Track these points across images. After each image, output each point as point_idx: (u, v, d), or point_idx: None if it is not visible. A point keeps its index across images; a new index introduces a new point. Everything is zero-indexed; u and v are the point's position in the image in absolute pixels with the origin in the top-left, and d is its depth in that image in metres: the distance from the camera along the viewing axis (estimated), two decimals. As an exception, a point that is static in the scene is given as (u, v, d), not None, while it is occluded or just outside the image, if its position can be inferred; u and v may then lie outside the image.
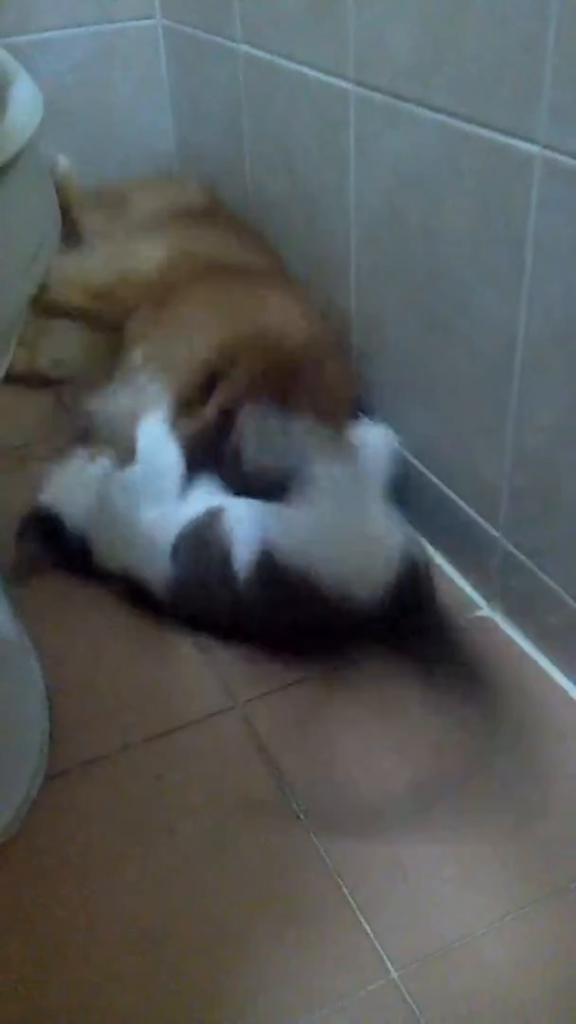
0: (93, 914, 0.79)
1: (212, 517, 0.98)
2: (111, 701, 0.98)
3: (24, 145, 0.61)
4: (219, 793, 0.88)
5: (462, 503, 1.07)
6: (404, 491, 1.08)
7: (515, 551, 1.01)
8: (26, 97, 0.66)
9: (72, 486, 1.10)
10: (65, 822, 0.86)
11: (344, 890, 0.80)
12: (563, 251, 0.81)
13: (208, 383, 1.11)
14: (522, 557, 1.00)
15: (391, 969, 0.74)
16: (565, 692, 0.96)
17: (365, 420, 1.11)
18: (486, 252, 0.91)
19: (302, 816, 0.86)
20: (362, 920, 0.77)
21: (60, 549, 1.08)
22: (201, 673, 1.01)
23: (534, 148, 0.80)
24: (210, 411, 1.09)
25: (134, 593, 1.05)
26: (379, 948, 0.75)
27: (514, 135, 0.82)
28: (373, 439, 1.09)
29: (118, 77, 1.56)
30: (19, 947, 0.77)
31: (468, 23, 0.84)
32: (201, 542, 0.98)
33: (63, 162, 1.36)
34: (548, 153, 0.79)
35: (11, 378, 1.46)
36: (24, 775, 0.88)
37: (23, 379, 1.50)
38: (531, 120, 0.80)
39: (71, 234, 1.43)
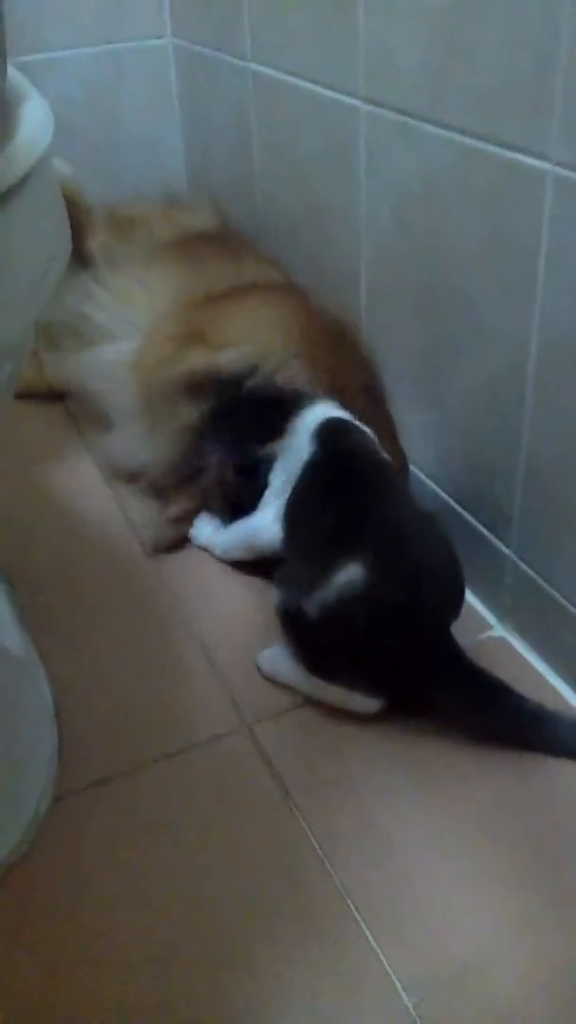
0: (100, 934, 0.78)
1: None
2: (120, 720, 0.97)
3: (35, 164, 0.61)
4: (227, 814, 0.87)
5: (473, 520, 1.07)
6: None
7: (527, 568, 1.00)
8: (37, 116, 0.66)
9: None
10: (73, 842, 0.85)
11: (354, 911, 0.79)
12: (575, 266, 0.81)
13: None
14: (533, 575, 0.99)
15: (403, 995, 0.73)
16: (578, 712, 0.96)
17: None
18: (497, 268, 0.90)
19: (312, 838, 0.85)
20: (374, 943, 0.76)
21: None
22: (210, 691, 1.00)
23: (546, 165, 0.80)
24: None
25: None
26: (391, 972, 0.74)
27: (525, 152, 0.82)
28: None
29: (128, 96, 1.57)
30: (27, 966, 0.76)
31: (478, 40, 0.84)
32: None
33: (63, 168, 1.35)
34: (560, 171, 0.79)
35: (20, 393, 1.48)
36: (32, 794, 0.87)
37: (32, 393, 1.50)
38: (542, 137, 0.80)
39: (78, 252, 1.44)
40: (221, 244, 1.39)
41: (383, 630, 0.88)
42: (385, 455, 1.03)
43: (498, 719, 0.91)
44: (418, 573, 0.90)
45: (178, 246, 1.38)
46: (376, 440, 1.04)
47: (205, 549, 1.18)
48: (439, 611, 0.91)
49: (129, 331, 1.29)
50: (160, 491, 1.25)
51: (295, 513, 1.00)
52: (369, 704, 0.93)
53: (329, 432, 1.02)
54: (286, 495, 1.01)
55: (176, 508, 1.21)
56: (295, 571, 0.95)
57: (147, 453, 1.25)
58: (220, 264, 1.33)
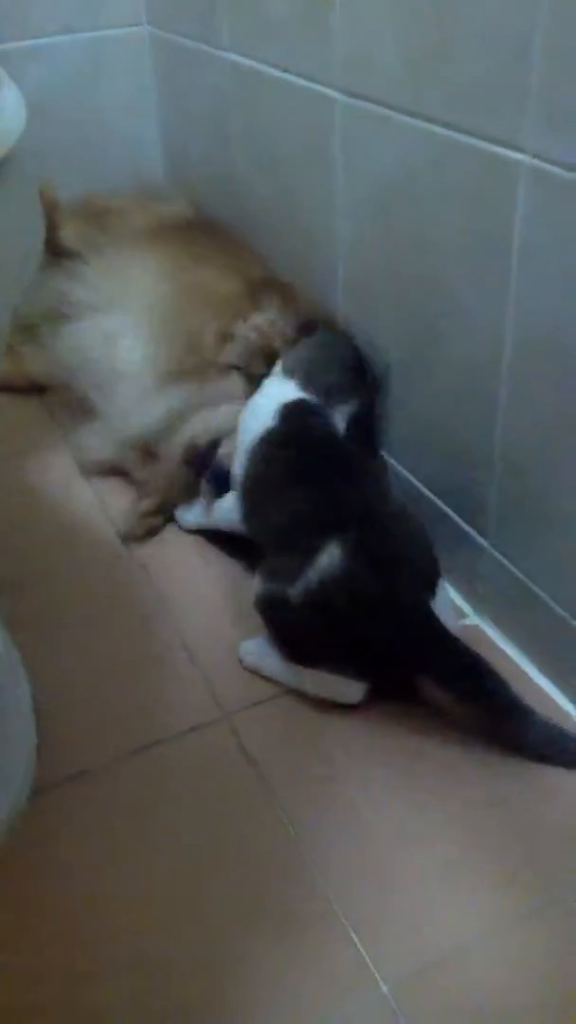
0: (80, 930, 0.78)
1: None
2: (99, 713, 0.97)
3: (7, 153, 0.60)
4: (207, 806, 0.87)
5: (451, 512, 1.07)
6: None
7: (502, 558, 1.00)
8: (9, 104, 0.65)
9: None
10: (53, 837, 0.85)
11: (333, 903, 0.79)
12: (550, 259, 0.81)
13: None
14: (509, 565, 0.99)
15: (381, 983, 0.73)
16: (554, 701, 0.96)
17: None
18: (474, 259, 0.91)
19: (291, 829, 0.85)
20: (352, 934, 0.77)
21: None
22: (189, 683, 1.00)
23: (521, 157, 0.80)
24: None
25: None
26: (369, 962, 0.75)
27: (502, 144, 0.82)
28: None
29: (105, 84, 1.55)
30: (7, 964, 0.76)
31: (455, 32, 0.84)
32: None
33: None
34: (535, 162, 0.79)
35: (-1, 386, 1.47)
36: (11, 789, 0.87)
37: (10, 387, 1.49)
38: (518, 129, 0.80)
39: (50, 245, 1.43)
40: (199, 229, 1.40)
41: (363, 610, 0.88)
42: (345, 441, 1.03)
43: (477, 706, 0.91)
44: (395, 553, 0.91)
45: (158, 231, 1.38)
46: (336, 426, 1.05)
47: (197, 530, 1.20)
48: (417, 589, 0.91)
49: (110, 307, 1.30)
50: (137, 482, 1.25)
51: (259, 496, 1.01)
52: (352, 691, 0.93)
53: (291, 414, 1.03)
54: (242, 471, 1.03)
55: (148, 502, 1.22)
56: (276, 562, 0.95)
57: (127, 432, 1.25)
58: (200, 247, 1.33)
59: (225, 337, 1.22)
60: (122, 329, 1.28)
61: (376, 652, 0.90)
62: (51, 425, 1.45)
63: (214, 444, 1.16)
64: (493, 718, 0.91)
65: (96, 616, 1.10)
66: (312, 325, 1.15)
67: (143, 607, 1.11)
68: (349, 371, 1.08)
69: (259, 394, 1.09)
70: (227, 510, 1.09)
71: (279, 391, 1.06)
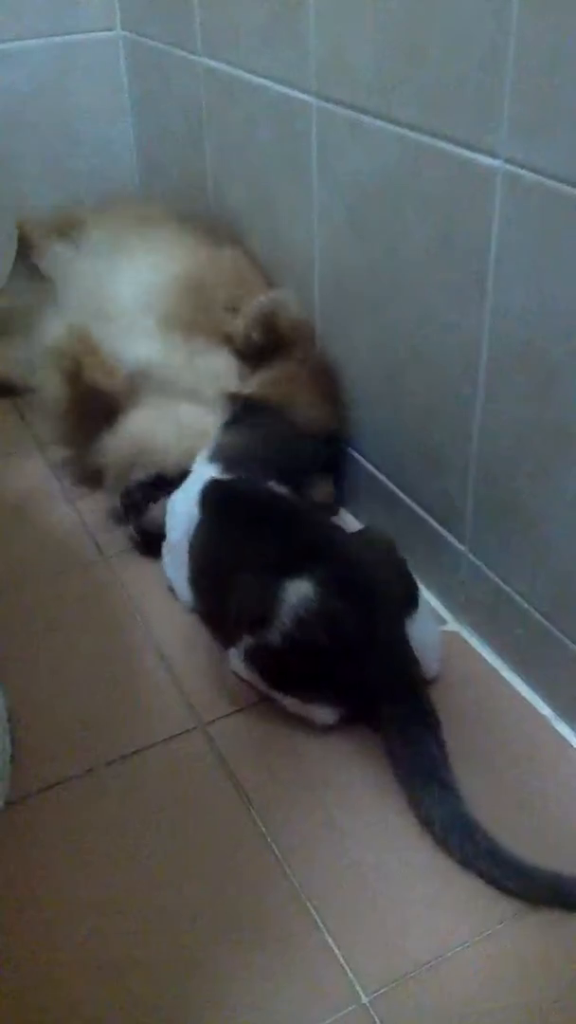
0: (54, 942, 0.77)
1: None
2: (74, 723, 0.96)
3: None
4: (183, 816, 0.86)
5: (427, 516, 1.07)
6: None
7: (480, 564, 1.00)
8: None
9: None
10: (26, 848, 0.84)
11: (312, 913, 0.78)
12: (524, 264, 0.81)
13: None
14: (486, 570, 0.99)
15: (361, 994, 0.73)
16: (531, 706, 0.96)
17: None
18: (448, 265, 0.91)
19: (269, 838, 0.84)
20: (331, 943, 0.76)
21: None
22: (164, 693, 0.99)
23: (495, 162, 0.80)
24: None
25: None
26: (349, 972, 0.74)
27: (475, 149, 0.82)
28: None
29: (78, 89, 1.54)
30: (-22, 979, 0.75)
31: (429, 38, 0.84)
32: None
33: None
34: (509, 167, 0.79)
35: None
36: (-17, 800, 0.86)
37: None
38: (492, 134, 0.80)
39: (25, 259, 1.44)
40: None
41: (336, 642, 0.87)
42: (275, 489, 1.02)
43: (398, 759, 0.88)
44: (362, 582, 0.90)
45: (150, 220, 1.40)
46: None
47: None
48: (389, 618, 0.90)
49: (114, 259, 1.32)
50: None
51: (206, 569, 1.01)
52: (324, 717, 0.93)
53: (213, 492, 1.02)
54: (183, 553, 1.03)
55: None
56: (242, 618, 0.92)
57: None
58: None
59: (233, 309, 1.22)
60: (132, 274, 1.29)
61: (345, 682, 0.90)
62: (24, 429, 1.44)
63: (147, 494, 1.15)
64: (407, 788, 0.87)
65: (71, 625, 1.09)
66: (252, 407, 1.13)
67: (118, 616, 1.10)
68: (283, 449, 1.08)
69: (179, 490, 1.08)
70: (175, 580, 1.09)
71: (200, 475, 1.05)
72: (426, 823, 0.83)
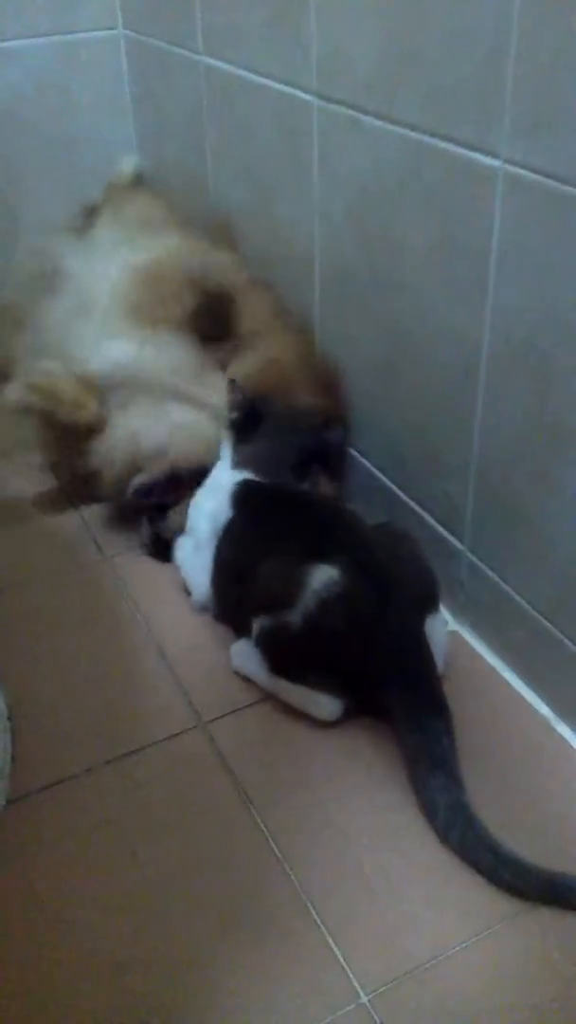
0: (55, 941, 0.77)
1: None
2: (75, 722, 0.96)
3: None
4: (183, 814, 0.87)
5: (428, 517, 1.07)
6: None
7: (480, 564, 1.00)
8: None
9: None
10: (27, 846, 0.84)
11: (312, 912, 0.78)
12: (525, 264, 0.81)
13: None
14: (487, 570, 1.00)
15: (360, 992, 0.73)
16: (530, 706, 0.96)
17: None
18: (449, 264, 0.91)
19: (269, 837, 0.84)
20: (331, 942, 0.76)
21: None
22: (165, 691, 0.99)
23: (496, 162, 0.80)
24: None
25: None
26: (348, 971, 0.74)
27: (476, 149, 0.82)
28: None
29: (80, 87, 1.54)
30: (-22, 978, 0.75)
31: (430, 38, 0.84)
32: None
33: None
34: (510, 168, 0.79)
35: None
36: (-16, 799, 0.86)
37: None
38: (493, 135, 0.80)
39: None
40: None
41: (357, 629, 0.89)
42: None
43: (407, 746, 0.88)
44: (388, 573, 0.91)
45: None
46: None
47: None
48: (409, 611, 0.91)
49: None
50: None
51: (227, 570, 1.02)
52: (330, 709, 0.93)
53: (245, 491, 1.03)
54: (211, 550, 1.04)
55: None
56: (264, 598, 0.93)
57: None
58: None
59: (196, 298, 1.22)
60: (106, 267, 1.29)
61: (357, 671, 0.90)
62: (22, 427, 1.43)
63: (165, 491, 1.15)
64: (412, 772, 0.87)
65: (72, 625, 1.09)
66: (263, 406, 1.11)
67: (119, 616, 1.10)
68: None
69: (204, 490, 1.09)
70: (194, 579, 1.09)
71: (228, 477, 1.06)
72: (428, 809, 0.84)
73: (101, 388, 1.19)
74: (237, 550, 1.00)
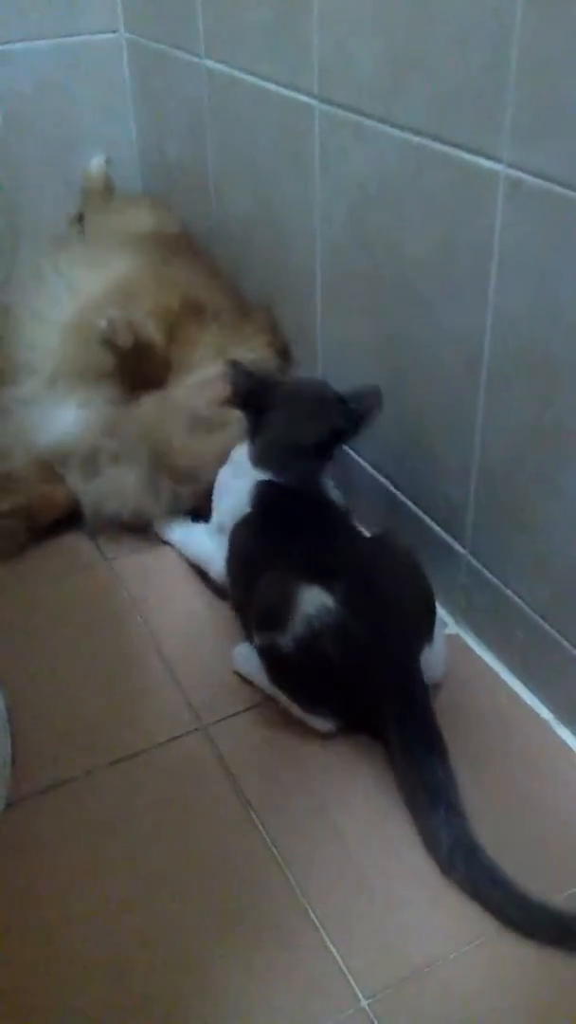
0: (54, 942, 0.77)
1: None
2: (74, 725, 0.96)
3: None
4: (183, 817, 0.87)
5: (428, 519, 1.07)
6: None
7: (481, 567, 1.00)
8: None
9: None
10: (27, 850, 0.84)
11: (312, 915, 0.78)
12: (527, 267, 0.81)
13: None
14: (487, 573, 1.00)
15: (360, 996, 0.73)
16: (531, 709, 0.96)
17: None
18: (451, 268, 0.91)
19: (269, 840, 0.84)
20: (331, 946, 0.76)
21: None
22: (165, 694, 0.99)
23: (498, 166, 0.81)
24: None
25: None
26: (348, 975, 0.74)
27: (478, 153, 0.83)
28: None
29: (81, 90, 1.54)
30: (-22, 980, 0.75)
31: (432, 42, 0.84)
32: None
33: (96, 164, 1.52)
34: (512, 171, 0.79)
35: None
36: (-17, 801, 0.86)
37: None
38: (495, 138, 0.80)
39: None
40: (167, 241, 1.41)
41: (350, 657, 0.87)
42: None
43: (405, 779, 0.87)
44: (382, 601, 0.90)
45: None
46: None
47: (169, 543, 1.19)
48: (404, 640, 0.90)
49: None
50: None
51: (243, 561, 1.01)
52: (326, 726, 0.93)
53: (262, 491, 1.02)
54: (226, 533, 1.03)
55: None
56: (264, 612, 0.92)
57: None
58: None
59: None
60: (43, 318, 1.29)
61: (348, 699, 0.90)
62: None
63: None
64: (410, 801, 0.86)
65: (72, 626, 1.09)
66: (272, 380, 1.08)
67: (119, 617, 1.10)
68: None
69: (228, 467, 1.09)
70: (212, 560, 1.09)
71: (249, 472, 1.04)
72: (430, 843, 0.82)
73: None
74: (246, 556, 1.00)
